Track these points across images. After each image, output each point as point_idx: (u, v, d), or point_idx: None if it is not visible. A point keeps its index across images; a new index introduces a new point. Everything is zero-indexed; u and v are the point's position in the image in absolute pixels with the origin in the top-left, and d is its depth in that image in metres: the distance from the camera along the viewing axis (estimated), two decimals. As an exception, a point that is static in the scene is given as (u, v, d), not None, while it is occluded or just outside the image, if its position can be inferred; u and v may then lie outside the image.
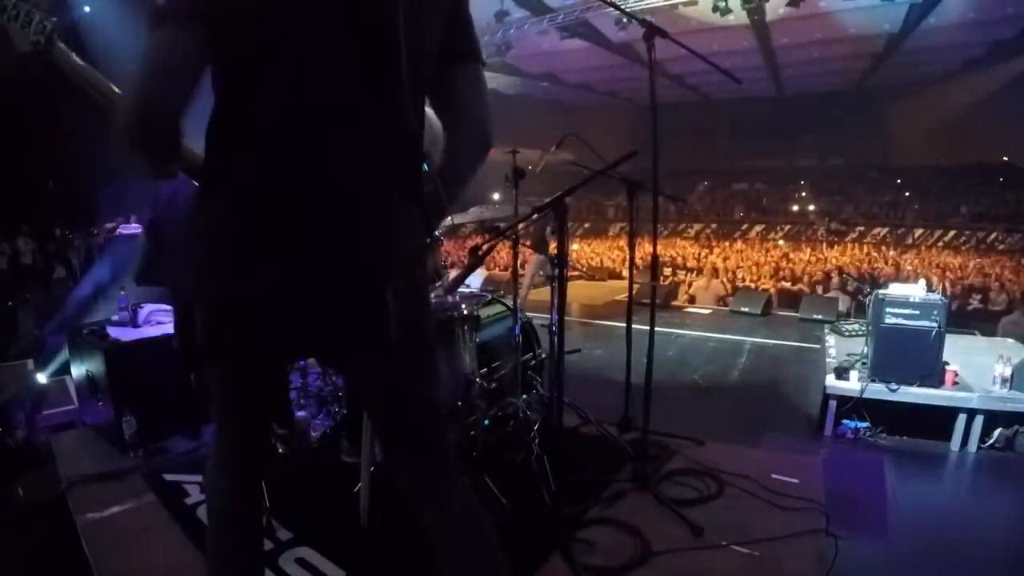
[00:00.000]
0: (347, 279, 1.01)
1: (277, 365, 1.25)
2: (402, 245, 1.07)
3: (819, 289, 8.46)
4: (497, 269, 10.53)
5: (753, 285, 9.23)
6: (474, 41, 1.15)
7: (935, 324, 3.01)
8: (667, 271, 10.72)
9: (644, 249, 2.86)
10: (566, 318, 2.49)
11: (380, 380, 1.12)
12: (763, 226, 19.39)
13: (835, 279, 8.53)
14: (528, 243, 2.65)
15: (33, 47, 1.23)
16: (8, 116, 5.33)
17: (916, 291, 3.13)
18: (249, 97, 0.97)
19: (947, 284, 8.87)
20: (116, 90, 1.23)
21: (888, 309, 3.08)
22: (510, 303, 2.60)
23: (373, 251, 1.03)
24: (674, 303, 7.74)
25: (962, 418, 2.97)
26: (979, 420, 2.95)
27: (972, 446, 2.97)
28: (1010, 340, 4.15)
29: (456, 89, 1.14)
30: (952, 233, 16.80)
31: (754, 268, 10.62)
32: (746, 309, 6.81)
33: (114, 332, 2.88)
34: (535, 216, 2.11)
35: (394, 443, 1.18)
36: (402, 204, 1.06)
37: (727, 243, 16.04)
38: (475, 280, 3.48)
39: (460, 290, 2.57)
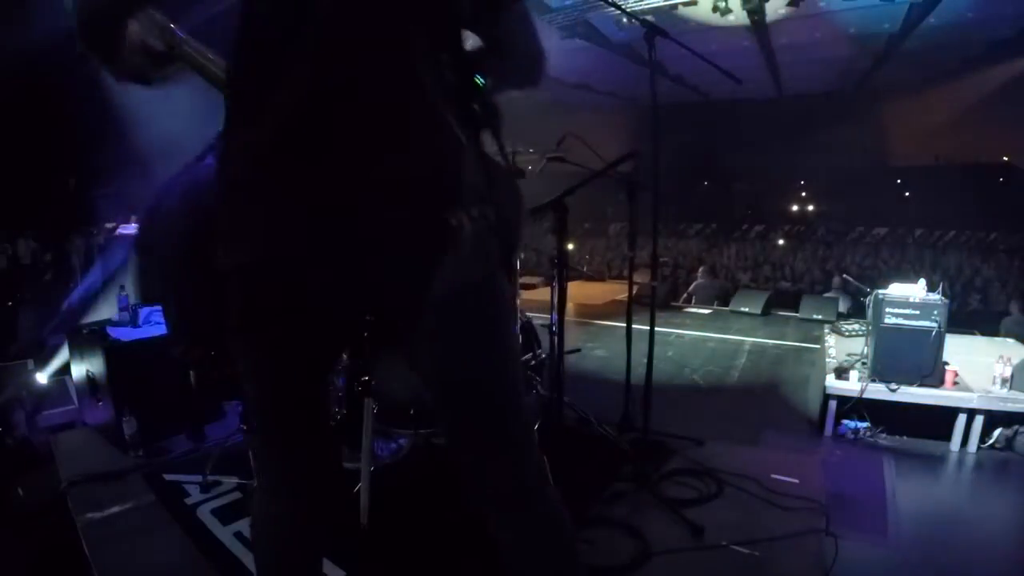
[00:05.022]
0: (403, 205, 0.85)
1: (326, 338, 1.01)
2: (460, 170, 0.89)
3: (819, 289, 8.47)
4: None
5: (753, 285, 9.23)
6: None
7: (935, 324, 3.01)
8: (667, 271, 10.70)
9: (644, 249, 2.86)
10: (566, 318, 2.49)
11: (449, 355, 0.93)
12: (763, 226, 19.39)
13: (835, 279, 8.53)
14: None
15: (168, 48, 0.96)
16: (19, 112, 5.28)
17: (916, 291, 3.13)
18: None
19: (947, 284, 8.87)
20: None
21: (888, 309, 3.08)
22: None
23: (422, 171, 0.86)
24: (674, 303, 7.74)
25: (962, 418, 2.97)
26: (979, 420, 2.95)
27: (972, 446, 2.97)
28: (1010, 340, 4.14)
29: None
30: (952, 233, 16.80)
31: (754, 268, 10.62)
32: (746, 309, 6.80)
33: (114, 332, 2.89)
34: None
35: (469, 440, 0.98)
36: (444, 119, 0.87)
37: (727, 243, 16.05)
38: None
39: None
